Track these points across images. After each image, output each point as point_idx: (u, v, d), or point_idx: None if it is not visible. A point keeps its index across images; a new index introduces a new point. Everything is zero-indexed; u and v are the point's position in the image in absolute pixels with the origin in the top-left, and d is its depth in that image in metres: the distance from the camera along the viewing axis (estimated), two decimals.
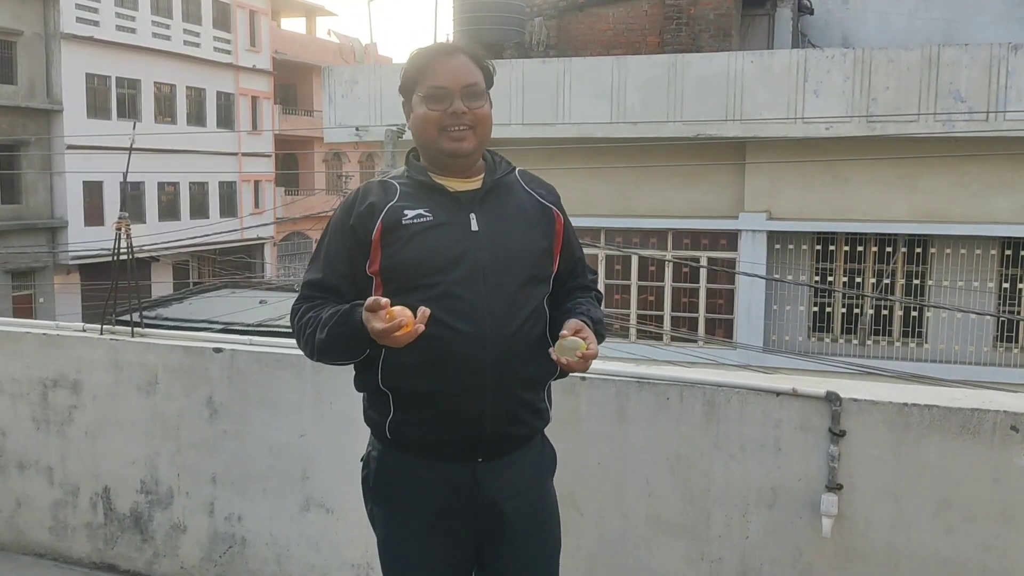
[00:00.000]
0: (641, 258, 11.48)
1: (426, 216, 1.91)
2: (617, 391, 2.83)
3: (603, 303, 2.20)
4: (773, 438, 2.69)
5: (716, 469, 2.75)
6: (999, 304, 10.43)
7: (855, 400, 2.61)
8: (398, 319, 1.74)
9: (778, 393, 2.68)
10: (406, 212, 1.92)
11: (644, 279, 11.71)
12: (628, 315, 11.68)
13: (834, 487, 2.60)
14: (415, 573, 1.99)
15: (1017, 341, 10.60)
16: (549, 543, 2.08)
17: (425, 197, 1.95)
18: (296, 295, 2.05)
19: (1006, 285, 10.57)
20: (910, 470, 2.56)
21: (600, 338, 1.98)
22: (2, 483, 3.68)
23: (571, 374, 2.83)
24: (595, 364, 2.92)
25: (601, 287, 11.87)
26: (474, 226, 1.92)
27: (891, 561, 2.60)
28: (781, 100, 10.27)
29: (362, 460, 2.10)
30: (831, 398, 2.61)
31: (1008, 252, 10.51)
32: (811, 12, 16.08)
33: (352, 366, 2.03)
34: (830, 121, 10.11)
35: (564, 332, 1.87)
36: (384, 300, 1.75)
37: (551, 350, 1.87)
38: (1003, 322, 10.41)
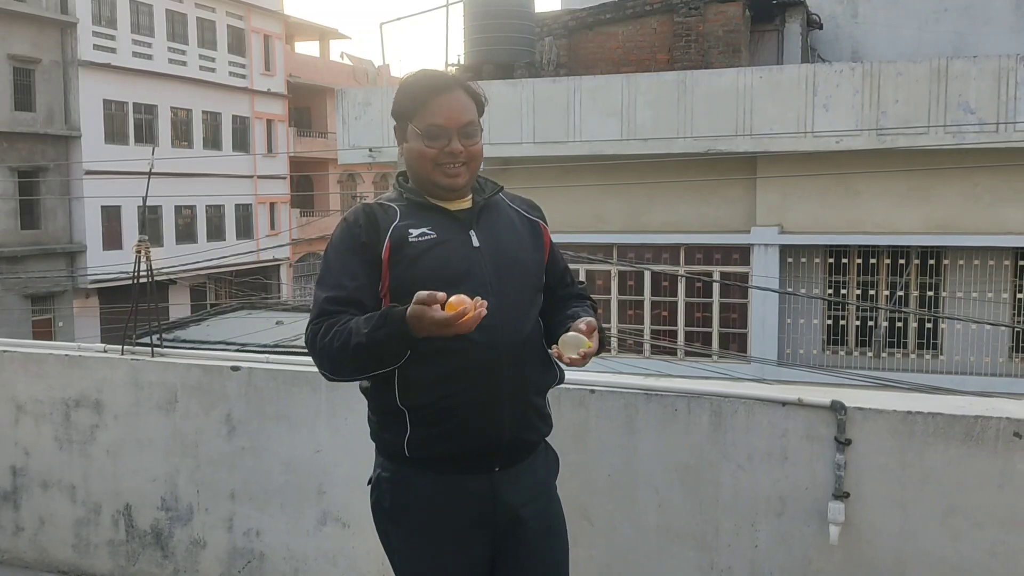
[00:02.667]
0: (654, 274, 11.52)
1: (430, 234, 1.96)
2: (626, 403, 2.88)
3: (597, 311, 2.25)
4: (780, 447, 2.73)
5: (724, 479, 2.79)
6: (1014, 315, 10.39)
7: (860, 409, 2.65)
8: (463, 306, 1.71)
9: (784, 403, 2.73)
10: (411, 231, 1.96)
11: (657, 294, 11.74)
12: (642, 331, 11.71)
13: (841, 495, 2.63)
14: None
15: None
16: (561, 546, 2.13)
17: (426, 216, 1.99)
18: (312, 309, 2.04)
19: (1021, 296, 10.53)
20: (915, 477, 2.60)
21: (602, 345, 2.03)
22: (26, 502, 3.76)
23: (580, 387, 2.90)
24: (604, 377, 2.99)
25: (614, 303, 11.93)
26: (475, 242, 1.98)
27: (899, 568, 2.63)
28: (791, 114, 10.32)
29: (370, 483, 2.10)
30: (836, 407, 2.65)
31: (1021, 263, 10.48)
32: (820, 27, 16.15)
33: (362, 390, 2.07)
34: (840, 135, 10.15)
35: (572, 328, 1.93)
36: (440, 294, 1.72)
37: (554, 346, 1.94)
38: (1018, 333, 10.37)
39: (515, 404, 1.96)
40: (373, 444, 2.10)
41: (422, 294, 1.73)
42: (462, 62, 13.59)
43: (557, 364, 2.09)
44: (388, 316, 1.81)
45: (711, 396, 2.81)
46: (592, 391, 2.90)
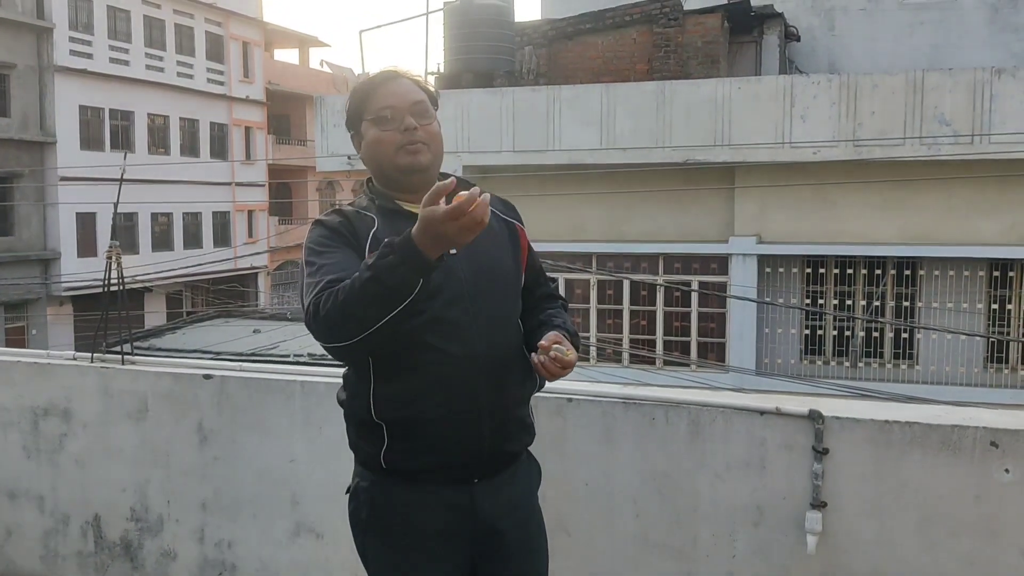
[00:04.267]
0: (633, 283, 11.54)
1: None
2: (603, 412, 2.86)
3: (567, 309, 2.23)
4: (758, 457, 2.71)
5: (702, 488, 2.77)
6: (989, 325, 10.50)
7: (837, 418, 2.64)
8: (468, 193, 1.62)
9: (762, 412, 2.71)
10: (387, 239, 1.90)
11: (636, 303, 11.76)
12: (621, 339, 11.71)
13: (818, 504, 2.62)
14: None
15: (1007, 362, 10.65)
16: (541, 557, 2.11)
17: (401, 224, 1.87)
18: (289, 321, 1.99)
19: (995, 306, 10.64)
20: (892, 487, 2.59)
21: (576, 348, 2.00)
22: None
23: (558, 395, 2.87)
24: (582, 386, 2.97)
25: (593, 312, 11.94)
26: (451, 249, 1.95)
27: None
28: (768, 125, 10.39)
29: (348, 492, 2.05)
30: (814, 416, 2.64)
31: (996, 273, 10.60)
32: (798, 39, 16.30)
33: (339, 402, 2.03)
34: (817, 146, 10.23)
35: (543, 343, 1.90)
36: (441, 185, 1.65)
37: (532, 356, 1.92)
38: (993, 343, 10.47)
39: (495, 416, 1.93)
40: (350, 453, 2.06)
41: (435, 188, 1.66)
42: (442, 70, 13.58)
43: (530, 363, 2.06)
44: (393, 241, 1.71)
45: (689, 405, 2.79)
46: (570, 400, 2.88)
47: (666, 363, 11.00)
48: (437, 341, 1.86)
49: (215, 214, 33.96)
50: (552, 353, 1.88)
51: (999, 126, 9.72)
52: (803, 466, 2.66)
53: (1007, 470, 2.50)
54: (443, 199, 1.67)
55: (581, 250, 11.74)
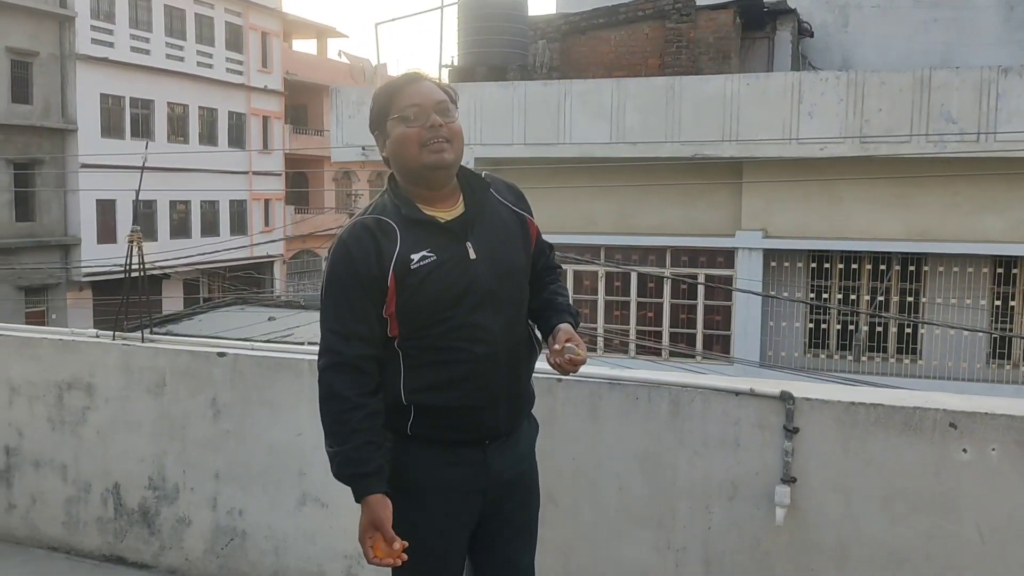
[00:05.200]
0: (640, 275, 11.70)
1: (430, 256, 2.03)
2: (591, 392, 3.04)
3: (566, 278, 2.44)
4: (733, 435, 2.89)
5: (681, 464, 2.95)
6: (992, 321, 10.59)
7: (807, 399, 2.81)
8: (388, 557, 2.02)
9: (737, 393, 2.89)
10: (412, 256, 2.03)
11: (643, 295, 11.91)
12: (628, 331, 11.88)
13: (788, 480, 2.79)
14: (440, 555, 2.17)
15: (1010, 358, 10.75)
16: (536, 502, 2.35)
17: (423, 235, 2.05)
18: (320, 343, 2.11)
19: (998, 302, 10.73)
20: (858, 464, 2.76)
21: (576, 326, 2.22)
22: (18, 480, 3.91)
23: (548, 376, 3.06)
24: None
25: (601, 303, 12.10)
26: (472, 254, 2.07)
27: (841, 550, 2.79)
28: (776, 121, 10.51)
29: None
30: (785, 397, 2.81)
31: (1000, 270, 10.68)
32: (811, 35, 16.33)
33: None
34: (824, 142, 10.34)
35: (556, 346, 2.10)
36: (397, 545, 2.00)
37: (547, 357, 2.13)
38: (996, 339, 10.56)
39: (510, 399, 2.15)
40: None
41: (384, 530, 2.01)
42: (456, 63, 13.75)
43: (537, 339, 2.26)
44: (358, 479, 2.03)
45: (670, 386, 2.97)
46: (559, 380, 3.06)
47: (672, 354, 11.16)
48: (462, 343, 2.05)
49: (232, 202, 34.30)
50: (567, 356, 2.08)
51: (1005, 124, 9.80)
52: (775, 444, 2.83)
53: (964, 450, 2.66)
54: None
55: (590, 242, 11.90)
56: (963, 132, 9.90)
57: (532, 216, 2.27)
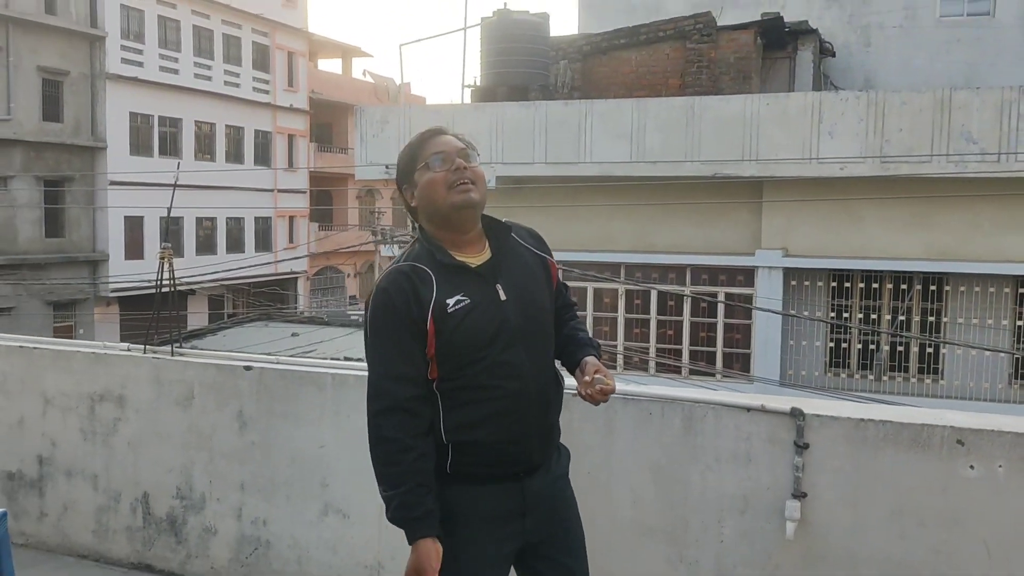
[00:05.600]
0: (660, 293, 11.75)
1: (464, 300, 2.15)
2: (605, 406, 3.11)
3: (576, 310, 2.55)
4: (744, 450, 2.96)
5: (693, 478, 3.02)
6: (1014, 342, 10.53)
7: (817, 416, 2.87)
8: None
9: (749, 409, 2.96)
10: (448, 300, 2.14)
11: (663, 314, 11.96)
12: (648, 348, 11.92)
13: (799, 495, 2.86)
14: None
15: None
16: (576, 520, 2.43)
17: (457, 280, 2.17)
18: (368, 389, 2.20)
19: (1021, 323, 10.68)
20: (867, 480, 2.82)
21: (599, 357, 2.35)
22: (51, 490, 4.03)
23: (565, 391, 3.14)
24: None
25: (620, 321, 12.16)
26: (502, 295, 2.19)
27: (851, 563, 2.85)
28: (796, 141, 10.55)
29: None
30: (795, 414, 2.88)
31: (1021, 290, 10.63)
32: (833, 55, 16.38)
33: None
34: (844, 161, 10.37)
35: (586, 379, 2.22)
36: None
37: (579, 389, 2.25)
38: (1018, 360, 10.50)
39: (542, 433, 2.27)
40: None
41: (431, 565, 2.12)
42: (478, 83, 13.91)
43: (560, 375, 2.39)
44: (411, 522, 2.13)
45: (683, 401, 3.04)
46: (575, 395, 3.14)
47: (692, 372, 11.18)
48: (497, 380, 2.16)
49: (257, 219, 34.70)
50: (597, 387, 2.19)
51: None
52: (785, 459, 2.89)
53: (972, 466, 2.71)
54: None
55: (610, 260, 11.97)
56: (984, 152, 9.90)
57: (552, 257, 2.41)
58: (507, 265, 2.25)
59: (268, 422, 3.60)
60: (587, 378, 2.22)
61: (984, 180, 9.98)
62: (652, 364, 11.78)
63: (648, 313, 11.99)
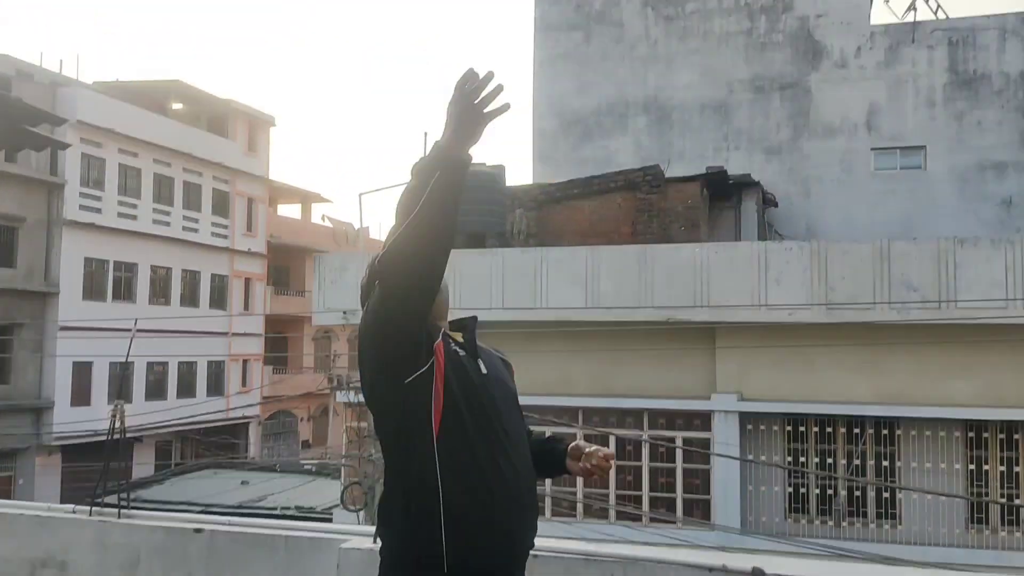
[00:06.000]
0: (618, 437, 11.70)
1: (459, 351, 2.23)
2: (566, 568, 3.07)
3: None
4: None
5: None
6: (968, 486, 10.61)
7: None
8: None
9: (711, 569, 2.94)
10: (450, 344, 2.21)
11: (622, 459, 11.87)
12: (607, 495, 11.76)
13: None
14: None
15: (988, 523, 10.70)
16: None
17: (446, 340, 2.23)
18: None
19: (972, 466, 10.80)
20: None
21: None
22: None
23: None
24: (546, 542, 3.19)
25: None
26: (483, 369, 2.25)
27: None
28: (745, 287, 10.88)
29: None
30: (756, 574, 2.86)
31: (971, 434, 10.81)
32: (776, 205, 17.15)
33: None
34: (792, 308, 10.68)
35: (588, 451, 2.28)
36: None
37: (582, 464, 2.27)
38: (973, 504, 10.55)
39: (531, 524, 2.25)
40: None
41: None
42: None
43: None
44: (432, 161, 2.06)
45: (645, 561, 3.01)
46: (535, 556, 3.09)
47: (652, 520, 11.01)
48: (496, 447, 2.15)
49: (210, 363, 34.21)
50: (600, 454, 2.24)
51: (965, 292, 10.20)
52: None
53: None
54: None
55: (568, 403, 11.97)
56: (924, 300, 10.28)
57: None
58: (482, 350, 2.31)
59: None
60: (589, 450, 2.25)
61: (927, 326, 10.31)
62: (612, 512, 11.60)
63: None
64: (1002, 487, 10.56)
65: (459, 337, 2.30)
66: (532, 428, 2.49)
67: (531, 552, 3.06)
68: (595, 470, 2.23)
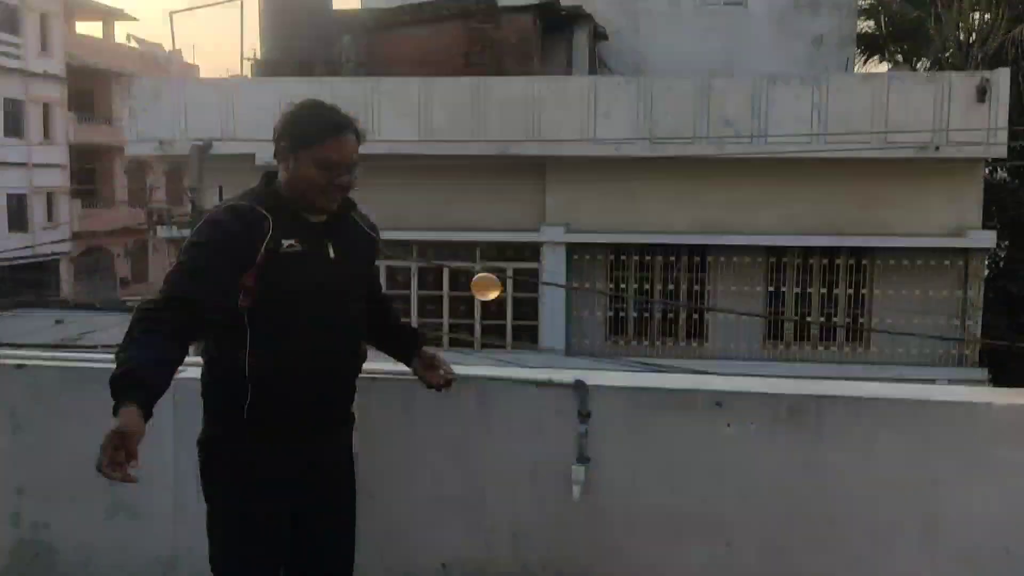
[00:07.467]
0: (452, 269, 11.99)
1: (296, 247, 2.29)
2: (403, 389, 3.22)
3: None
4: (535, 422, 3.16)
5: (489, 451, 3.19)
6: (767, 306, 11.70)
7: (598, 387, 3.13)
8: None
9: (538, 383, 3.17)
10: (283, 241, 2.27)
11: (456, 290, 12.22)
12: (441, 324, 12.14)
13: (583, 460, 3.10)
14: (265, 542, 2.38)
15: (783, 338, 11.93)
16: (352, 495, 2.62)
17: (293, 227, 2.31)
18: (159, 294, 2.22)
19: (771, 289, 11.88)
20: (643, 442, 3.11)
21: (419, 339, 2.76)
22: None
23: (362, 376, 3.22)
24: (383, 366, 3.31)
25: (414, 298, 12.29)
26: (331, 253, 2.36)
27: (630, 518, 3.14)
28: (576, 122, 11.09)
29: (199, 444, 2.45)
30: (578, 386, 3.12)
31: (772, 259, 11.83)
32: (606, 38, 17.20)
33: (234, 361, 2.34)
34: (619, 142, 11.02)
35: (441, 371, 2.76)
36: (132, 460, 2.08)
37: (428, 378, 2.77)
38: (770, 322, 11.69)
39: (343, 395, 2.48)
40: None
41: (125, 435, 2.11)
42: (258, 57, 13.44)
43: (365, 349, 2.62)
44: (124, 389, 2.15)
45: (477, 379, 3.21)
46: (373, 379, 3.22)
47: (483, 346, 11.52)
48: (311, 329, 2.33)
49: (9, 196, 31.59)
50: (446, 377, 2.67)
51: (775, 128, 10.85)
52: (571, 428, 3.13)
53: (728, 424, 3.07)
54: None
55: (403, 237, 12.05)
56: (739, 135, 10.87)
57: (379, 238, 2.63)
58: (341, 230, 2.42)
59: (46, 422, 3.40)
60: (441, 371, 2.66)
61: (740, 161, 10.96)
62: (446, 340, 12.02)
63: (441, 290, 12.21)
64: (796, 307, 11.70)
65: (314, 218, 2.36)
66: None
67: (371, 376, 3.22)
68: (434, 386, 2.69)
